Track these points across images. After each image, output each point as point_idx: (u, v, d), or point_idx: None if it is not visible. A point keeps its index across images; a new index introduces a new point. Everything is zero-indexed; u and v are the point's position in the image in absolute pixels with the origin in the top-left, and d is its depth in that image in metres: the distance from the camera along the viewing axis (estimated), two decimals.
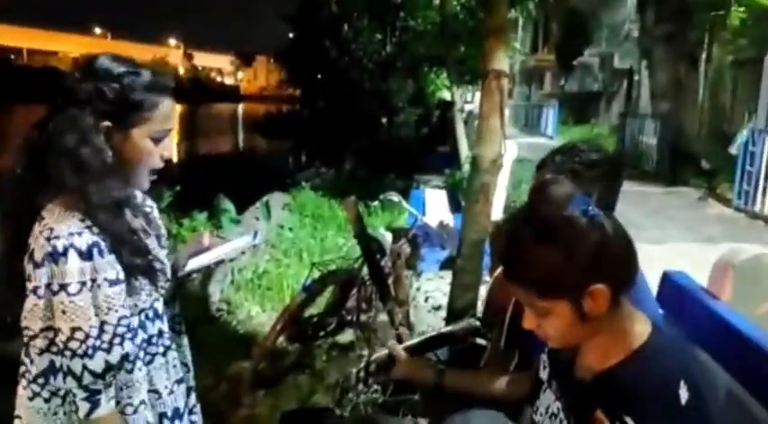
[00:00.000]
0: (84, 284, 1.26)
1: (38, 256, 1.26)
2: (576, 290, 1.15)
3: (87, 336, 1.27)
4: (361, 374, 1.85)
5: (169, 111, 1.39)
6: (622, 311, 1.21)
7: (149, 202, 1.58)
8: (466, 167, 8.51)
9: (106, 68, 1.33)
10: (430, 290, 4.34)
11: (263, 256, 5.65)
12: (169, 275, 1.51)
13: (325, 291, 3.82)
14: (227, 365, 3.55)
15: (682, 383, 1.11)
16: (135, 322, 1.39)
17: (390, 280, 3.78)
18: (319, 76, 14.86)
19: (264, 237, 5.84)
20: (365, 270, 3.74)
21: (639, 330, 1.21)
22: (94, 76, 1.33)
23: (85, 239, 1.27)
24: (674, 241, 6.69)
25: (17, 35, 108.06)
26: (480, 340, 2.28)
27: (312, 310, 3.87)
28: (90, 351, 1.27)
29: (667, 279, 2.19)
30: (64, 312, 1.25)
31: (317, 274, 3.76)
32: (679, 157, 11.68)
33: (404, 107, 14.60)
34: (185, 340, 1.63)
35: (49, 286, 1.25)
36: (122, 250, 1.33)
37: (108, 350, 1.30)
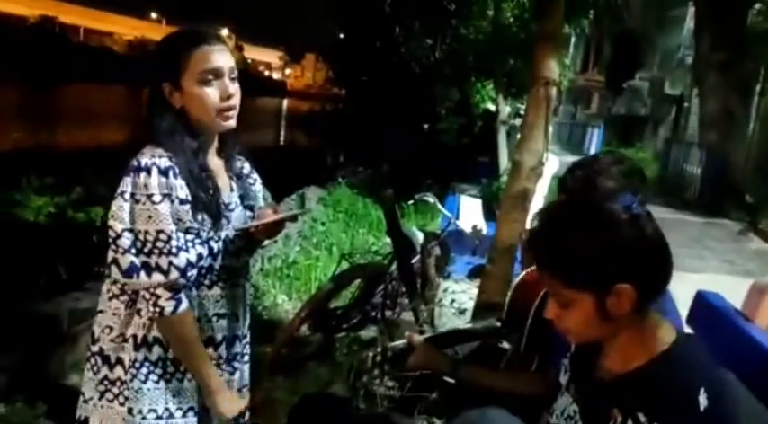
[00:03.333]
0: (165, 196, 1.49)
1: (128, 168, 1.51)
2: (603, 285, 1.14)
3: (170, 238, 1.49)
4: (378, 358, 1.84)
5: (206, 55, 1.56)
6: (647, 317, 1.20)
7: (254, 176, 1.82)
8: (503, 178, 8.45)
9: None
10: (457, 292, 4.32)
11: (293, 247, 5.69)
12: (235, 225, 1.69)
13: (352, 284, 3.83)
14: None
15: (702, 391, 1.09)
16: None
17: (418, 279, 3.77)
18: (365, 78, 14.87)
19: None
20: (394, 267, 3.74)
21: (664, 336, 1.19)
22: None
23: (164, 162, 1.50)
24: (710, 271, 6.57)
25: (75, 13, 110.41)
26: (504, 344, 2.27)
27: (338, 302, 3.89)
28: (174, 250, 1.49)
29: (701, 299, 2.15)
30: (150, 217, 1.47)
31: (346, 266, 3.77)
32: (722, 188, 11.44)
33: (447, 115, 14.54)
34: (240, 293, 1.77)
35: (133, 194, 1.48)
36: (191, 181, 1.55)
37: (186, 250, 1.53)
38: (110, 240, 1.49)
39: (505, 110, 12.01)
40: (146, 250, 1.47)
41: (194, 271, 1.54)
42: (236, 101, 1.61)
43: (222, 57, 1.57)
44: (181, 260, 1.49)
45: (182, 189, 1.52)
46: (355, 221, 7.43)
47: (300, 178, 9.51)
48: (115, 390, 1.59)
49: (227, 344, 1.73)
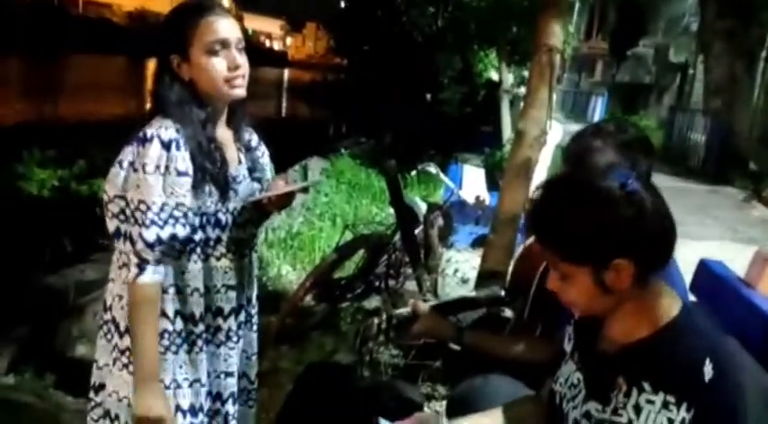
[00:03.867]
0: (158, 167, 1.50)
1: (133, 137, 1.53)
2: (600, 261, 1.15)
3: (149, 209, 1.49)
4: (383, 325, 1.85)
5: (213, 25, 1.57)
6: (651, 288, 1.20)
7: (262, 148, 1.83)
8: (507, 148, 8.41)
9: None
10: (460, 262, 4.33)
11: (297, 218, 5.70)
12: (242, 196, 1.70)
13: (355, 254, 3.84)
14: None
15: (707, 361, 1.10)
16: (196, 220, 1.61)
17: (421, 249, 3.78)
18: (367, 47, 14.74)
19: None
20: (397, 237, 3.75)
21: (668, 307, 1.19)
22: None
23: (170, 133, 1.52)
24: (714, 239, 6.55)
25: None
26: (507, 312, 2.28)
27: (342, 273, 3.91)
28: (147, 222, 1.49)
29: (703, 267, 2.15)
30: (138, 185, 1.49)
31: (349, 237, 3.77)
32: (727, 156, 11.38)
33: (449, 84, 14.43)
34: (246, 263, 1.78)
35: (132, 163, 1.51)
36: (196, 152, 1.56)
37: (162, 226, 1.51)
38: (103, 204, 1.55)
39: (509, 78, 11.88)
40: (126, 217, 1.51)
41: (162, 248, 1.52)
42: (244, 70, 1.61)
43: (229, 28, 1.59)
44: (150, 233, 1.49)
45: (183, 162, 1.53)
46: (358, 192, 7.42)
47: (303, 149, 9.49)
48: (124, 359, 1.61)
49: (235, 315, 1.75)
